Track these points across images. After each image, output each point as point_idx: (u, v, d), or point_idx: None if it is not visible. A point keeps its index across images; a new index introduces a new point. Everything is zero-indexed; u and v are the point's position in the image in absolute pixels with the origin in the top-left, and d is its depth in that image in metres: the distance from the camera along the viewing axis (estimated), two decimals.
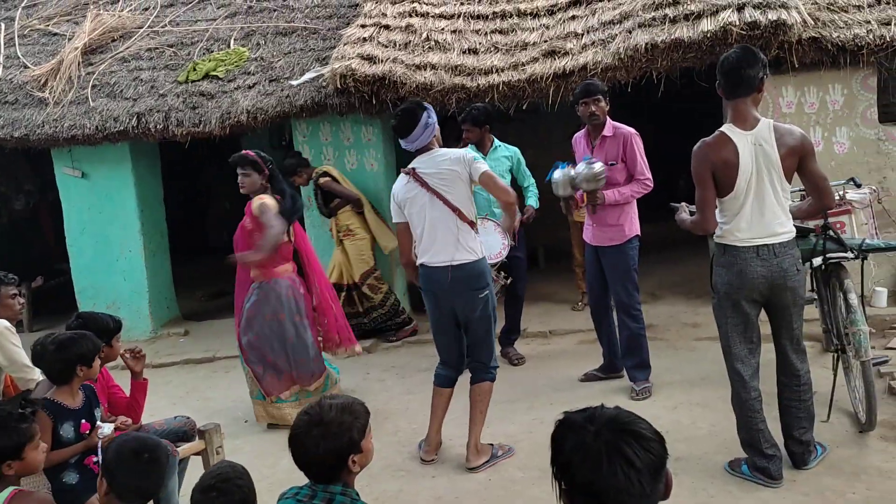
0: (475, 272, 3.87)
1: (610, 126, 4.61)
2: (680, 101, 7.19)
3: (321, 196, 6.33)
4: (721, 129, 3.35)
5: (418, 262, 4.00)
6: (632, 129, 4.61)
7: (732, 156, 3.27)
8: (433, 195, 3.83)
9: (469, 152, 3.94)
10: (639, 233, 4.72)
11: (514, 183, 5.37)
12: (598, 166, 4.48)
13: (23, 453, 2.62)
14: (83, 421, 3.18)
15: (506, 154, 5.35)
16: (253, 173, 4.56)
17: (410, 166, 3.93)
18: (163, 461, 2.41)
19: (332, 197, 6.32)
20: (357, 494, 2.19)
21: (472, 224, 3.89)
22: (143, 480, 2.36)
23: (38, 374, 3.52)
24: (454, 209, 3.82)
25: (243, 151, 4.68)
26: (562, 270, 7.69)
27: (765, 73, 3.28)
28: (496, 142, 5.38)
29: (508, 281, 5.04)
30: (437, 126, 3.88)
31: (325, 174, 6.28)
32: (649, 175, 4.60)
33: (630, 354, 4.75)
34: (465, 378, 4.15)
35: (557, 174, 4.71)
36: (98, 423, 3.24)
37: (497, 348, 4.22)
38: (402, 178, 3.97)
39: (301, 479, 2.24)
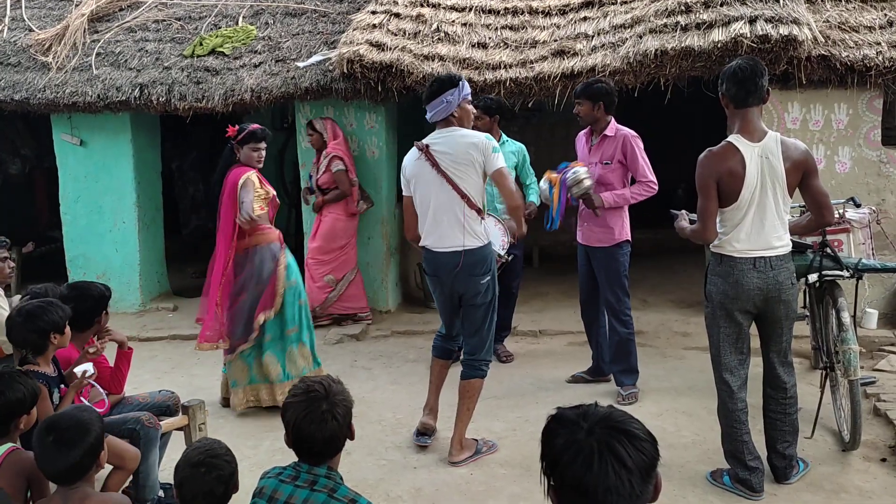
0: (481, 258, 3.81)
1: (613, 127, 4.60)
2: (682, 108, 7.16)
3: None
4: (728, 139, 3.33)
5: (421, 243, 3.93)
6: (631, 131, 4.60)
7: (739, 167, 3.25)
8: (443, 178, 3.72)
9: (491, 141, 3.79)
10: (629, 238, 4.69)
11: (518, 180, 5.34)
12: (582, 171, 4.46)
13: (31, 409, 2.66)
14: (61, 386, 3.19)
15: (512, 150, 5.32)
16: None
17: (424, 142, 3.81)
18: (75, 444, 2.25)
19: None
20: (341, 478, 2.17)
21: (480, 211, 3.79)
22: (50, 463, 2.27)
23: None
24: (462, 195, 3.72)
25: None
26: (556, 271, 7.69)
27: (767, 81, 3.31)
28: (504, 136, 5.34)
29: (510, 258, 4.99)
30: (460, 106, 3.73)
31: None
32: (653, 178, 4.56)
33: (618, 359, 4.74)
34: (455, 373, 4.14)
35: (544, 184, 4.71)
36: (74, 369, 3.24)
37: None
38: (414, 153, 3.86)
39: (283, 460, 2.23)
